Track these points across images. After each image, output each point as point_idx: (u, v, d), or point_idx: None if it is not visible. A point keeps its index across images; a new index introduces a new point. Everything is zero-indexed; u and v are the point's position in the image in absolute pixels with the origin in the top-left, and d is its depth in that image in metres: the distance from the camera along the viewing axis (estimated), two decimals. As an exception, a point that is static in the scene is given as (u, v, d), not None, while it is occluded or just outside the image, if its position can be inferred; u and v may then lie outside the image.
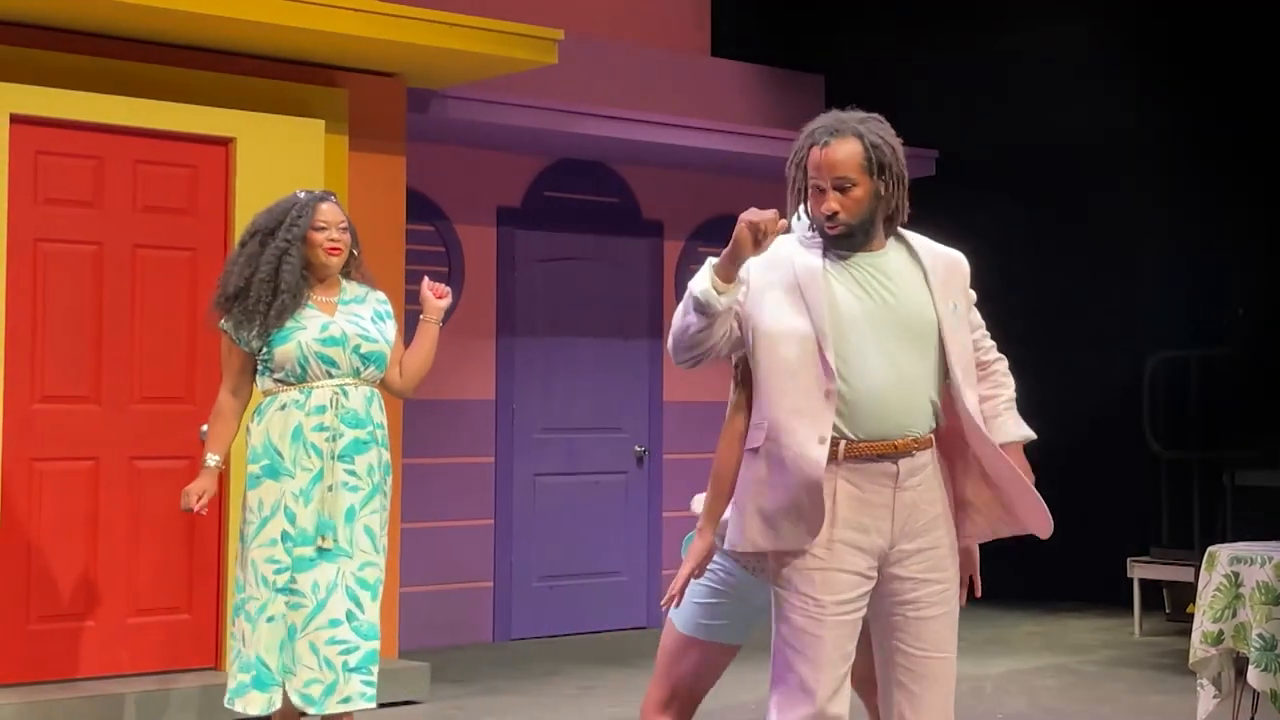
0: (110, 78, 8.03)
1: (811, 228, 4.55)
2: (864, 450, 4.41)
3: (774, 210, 4.33)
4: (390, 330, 6.14)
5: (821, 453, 4.36)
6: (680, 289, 11.35)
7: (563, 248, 11.14)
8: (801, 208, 4.59)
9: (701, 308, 4.35)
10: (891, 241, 4.58)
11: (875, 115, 4.60)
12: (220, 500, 7.75)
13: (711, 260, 4.37)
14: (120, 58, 8.11)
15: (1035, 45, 12.16)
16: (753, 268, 4.43)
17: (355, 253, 6.18)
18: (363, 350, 6.00)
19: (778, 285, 4.44)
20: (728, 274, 4.35)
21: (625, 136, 10.57)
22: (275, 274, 5.94)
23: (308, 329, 5.95)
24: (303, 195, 6.11)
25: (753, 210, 4.30)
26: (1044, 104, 12.14)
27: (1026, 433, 4.84)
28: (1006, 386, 4.86)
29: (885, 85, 12.16)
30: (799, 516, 4.37)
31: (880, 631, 4.55)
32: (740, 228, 4.28)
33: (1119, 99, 11.82)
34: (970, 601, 4.68)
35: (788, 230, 4.46)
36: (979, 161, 11.47)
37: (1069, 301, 12.46)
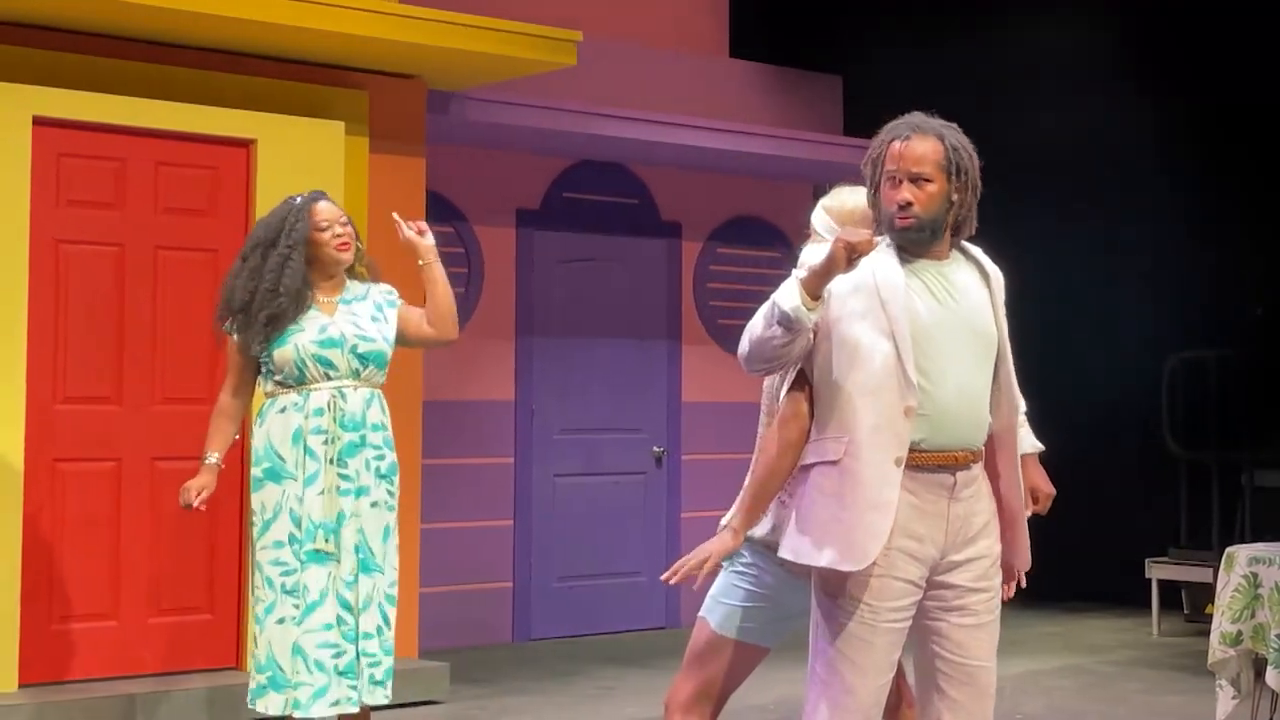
0: (132, 80, 8.07)
1: (881, 229, 4.56)
2: (926, 460, 4.42)
3: (869, 230, 4.33)
4: (390, 329, 6.12)
5: (897, 475, 4.38)
6: (699, 289, 11.46)
7: (581, 249, 11.16)
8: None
9: (789, 323, 4.33)
10: (955, 253, 4.59)
11: (953, 125, 4.59)
12: (240, 501, 7.78)
13: (798, 274, 4.35)
14: (142, 60, 8.15)
15: (1055, 45, 12.17)
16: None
17: (359, 246, 6.20)
18: (360, 350, 6.00)
19: (858, 295, 4.42)
20: (816, 290, 4.34)
21: (644, 138, 10.58)
22: (277, 283, 5.95)
23: (306, 331, 5.96)
24: (297, 200, 6.11)
25: (849, 229, 4.29)
26: (1063, 103, 12.15)
27: (1039, 445, 5.15)
28: (1021, 400, 4.93)
29: (904, 86, 12.18)
30: (865, 534, 4.37)
31: (922, 638, 4.56)
32: (837, 247, 4.26)
33: (1139, 97, 11.82)
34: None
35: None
36: (997, 161, 11.45)
37: (1087, 302, 12.46)
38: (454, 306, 6.21)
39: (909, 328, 4.39)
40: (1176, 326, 11.81)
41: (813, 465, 4.49)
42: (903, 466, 4.38)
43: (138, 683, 7.86)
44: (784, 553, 4.54)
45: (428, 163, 9.27)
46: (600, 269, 11.25)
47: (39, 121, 7.74)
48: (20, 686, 7.58)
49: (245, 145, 8.30)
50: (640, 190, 11.46)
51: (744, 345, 4.48)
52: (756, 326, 4.43)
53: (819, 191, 12.01)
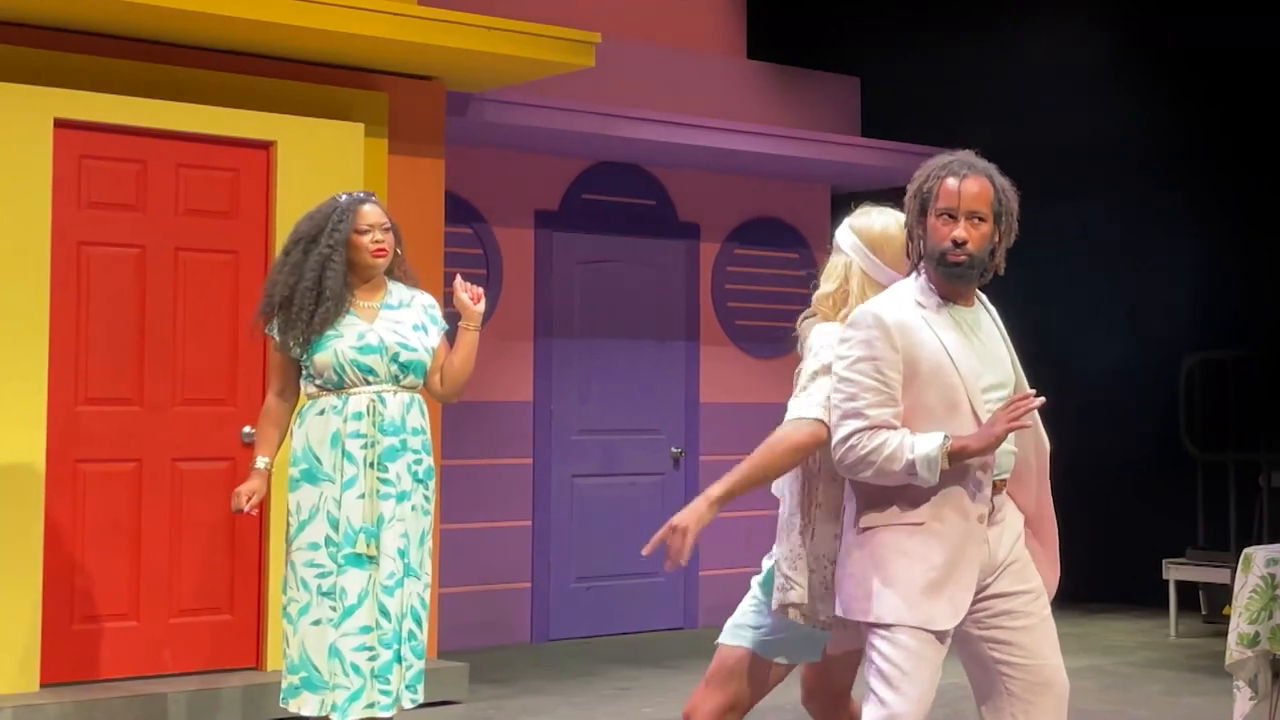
0: (153, 82, 8.10)
1: (915, 263, 4.62)
2: None
3: (1024, 400, 4.42)
4: (433, 338, 6.14)
5: (982, 532, 4.50)
6: (717, 290, 11.46)
7: (600, 250, 11.18)
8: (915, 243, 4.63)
9: (917, 478, 4.42)
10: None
11: (994, 165, 4.65)
12: (261, 502, 7.79)
13: (947, 440, 4.39)
14: (162, 62, 8.18)
15: (1073, 45, 12.17)
16: (895, 333, 4.47)
17: (399, 251, 6.19)
18: (401, 359, 6.00)
19: (927, 357, 4.49)
20: (959, 461, 4.43)
21: (661, 139, 10.60)
22: (319, 281, 5.95)
23: (344, 337, 5.96)
24: (343, 198, 6.09)
25: (1004, 421, 4.38)
26: (1080, 104, 12.15)
27: None
28: (1047, 439, 4.99)
29: (921, 87, 12.20)
30: (954, 591, 4.47)
31: (981, 654, 4.63)
32: (998, 434, 4.39)
33: (1155, 100, 11.82)
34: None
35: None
36: (1014, 163, 11.47)
37: (1104, 303, 12.46)
38: (469, 375, 6.21)
39: (977, 384, 4.49)
40: (1194, 327, 11.81)
41: (891, 526, 4.52)
42: (986, 523, 4.49)
43: (159, 683, 7.90)
44: (858, 615, 4.54)
45: (446, 164, 9.30)
46: (618, 270, 11.26)
47: (60, 124, 7.78)
48: (42, 686, 7.61)
49: (265, 147, 8.34)
50: (658, 191, 11.48)
51: (859, 465, 4.48)
52: (884, 467, 4.43)
53: (837, 193, 11.97)
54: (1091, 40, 12.13)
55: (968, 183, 4.52)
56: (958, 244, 4.49)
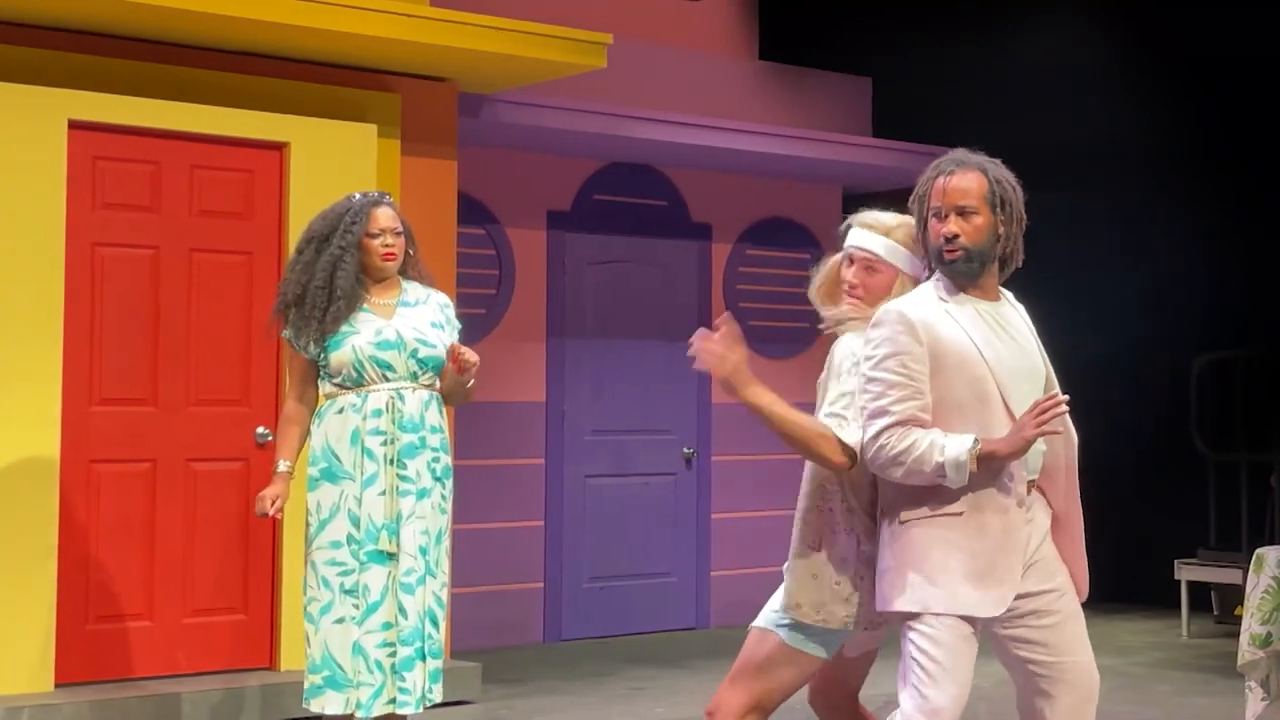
0: (167, 83, 8.12)
1: (928, 265, 4.67)
2: None
3: (1050, 404, 4.44)
4: (449, 337, 6.15)
5: (1022, 516, 4.54)
6: (729, 291, 11.47)
7: (612, 250, 11.20)
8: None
9: (945, 479, 4.45)
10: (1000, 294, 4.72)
11: (997, 160, 4.70)
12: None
13: (976, 444, 4.43)
14: (176, 64, 8.20)
15: (1081, 46, 12.17)
16: (919, 328, 4.51)
17: (411, 252, 6.21)
18: (420, 355, 6.00)
19: (952, 350, 4.53)
20: (987, 465, 4.45)
21: (673, 140, 10.62)
22: (330, 280, 5.96)
23: (361, 333, 5.96)
24: (357, 198, 6.10)
25: (1031, 425, 4.41)
26: (1090, 104, 12.15)
27: None
28: (1074, 433, 5.00)
29: (933, 87, 12.20)
30: (999, 580, 4.50)
31: (1014, 655, 4.66)
32: (1029, 438, 4.41)
33: (1163, 100, 11.82)
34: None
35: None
36: (1024, 162, 11.45)
37: (1115, 303, 12.45)
38: (464, 401, 6.39)
39: (1006, 376, 4.53)
40: (1203, 327, 11.80)
41: (931, 518, 4.54)
42: (1025, 508, 4.53)
43: (173, 682, 7.92)
44: (901, 606, 4.54)
45: (459, 165, 9.32)
46: (631, 271, 11.28)
47: (74, 125, 7.80)
48: (57, 686, 7.64)
49: (279, 148, 8.36)
50: (670, 192, 11.49)
51: (889, 465, 4.52)
52: (913, 468, 4.47)
53: (849, 193, 11.99)
54: (1096, 40, 12.12)
55: (954, 179, 4.59)
56: (948, 239, 4.55)
